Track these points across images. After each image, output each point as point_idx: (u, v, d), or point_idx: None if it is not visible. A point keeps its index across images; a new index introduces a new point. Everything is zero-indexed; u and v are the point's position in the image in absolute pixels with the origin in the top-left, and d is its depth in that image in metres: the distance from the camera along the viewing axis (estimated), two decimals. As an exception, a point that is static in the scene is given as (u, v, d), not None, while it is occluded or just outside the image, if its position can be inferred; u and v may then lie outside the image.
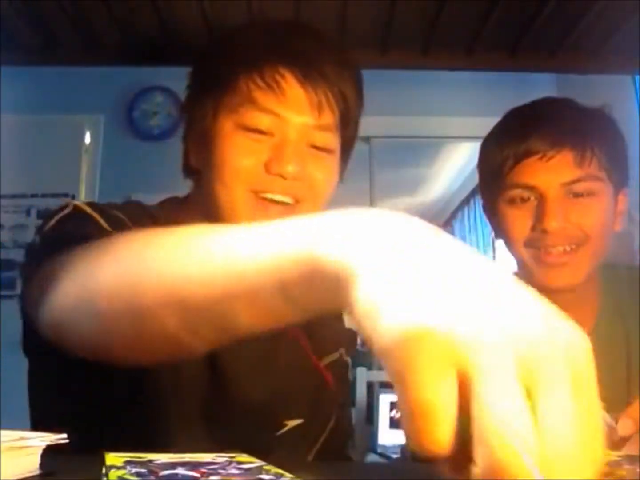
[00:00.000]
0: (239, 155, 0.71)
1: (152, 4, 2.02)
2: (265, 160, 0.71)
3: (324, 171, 0.77)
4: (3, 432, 0.52)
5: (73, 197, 3.14)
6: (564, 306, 0.97)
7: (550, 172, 0.84)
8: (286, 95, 0.70)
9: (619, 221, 0.90)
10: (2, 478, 0.48)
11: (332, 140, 0.76)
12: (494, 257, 5.16)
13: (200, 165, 0.78)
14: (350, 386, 0.97)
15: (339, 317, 0.93)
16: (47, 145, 3.13)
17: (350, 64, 0.80)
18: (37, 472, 0.53)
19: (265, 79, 0.70)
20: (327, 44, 0.77)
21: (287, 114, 0.71)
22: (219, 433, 0.77)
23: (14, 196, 3.12)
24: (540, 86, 2.93)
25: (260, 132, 0.71)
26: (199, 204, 0.80)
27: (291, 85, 0.71)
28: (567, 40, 2.17)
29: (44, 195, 3.15)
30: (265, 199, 0.72)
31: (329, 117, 0.74)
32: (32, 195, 3.14)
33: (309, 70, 0.71)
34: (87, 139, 3.20)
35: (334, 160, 0.78)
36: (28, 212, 3.13)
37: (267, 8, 2.09)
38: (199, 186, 0.81)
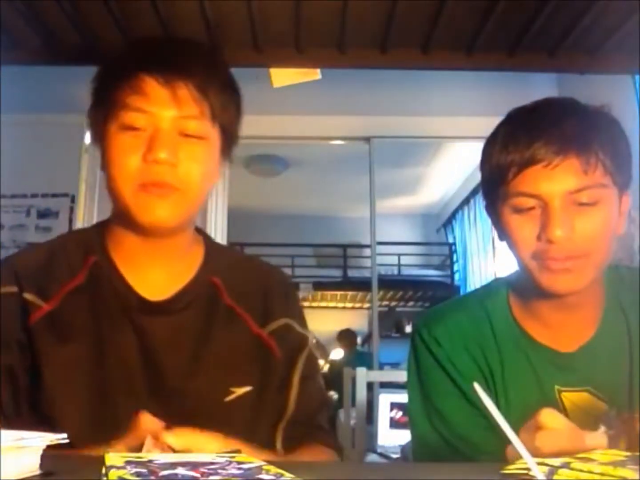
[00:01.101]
0: (122, 152, 0.83)
1: (152, 4, 2.02)
2: (142, 152, 0.82)
3: (197, 158, 0.85)
4: (3, 432, 0.52)
5: (73, 197, 3.14)
6: (569, 307, 0.96)
7: (555, 180, 0.82)
8: (149, 95, 0.82)
9: (622, 223, 0.89)
10: (2, 478, 0.48)
11: (200, 127, 0.84)
12: (494, 257, 5.17)
13: (101, 165, 0.89)
14: (314, 359, 0.96)
15: (280, 292, 0.97)
16: (47, 145, 3.13)
17: (212, 60, 0.90)
18: (37, 472, 0.53)
19: (132, 86, 0.84)
20: (185, 47, 0.90)
21: (152, 109, 0.82)
22: (167, 405, 0.82)
23: (14, 196, 3.12)
24: (540, 86, 2.94)
25: (135, 129, 0.82)
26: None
27: (153, 87, 0.83)
28: (567, 40, 2.17)
29: (44, 195, 3.15)
30: (147, 186, 0.82)
31: (192, 109, 0.83)
32: (32, 195, 3.14)
33: (166, 73, 0.83)
34: (87, 139, 3.19)
35: (207, 147, 0.86)
36: (28, 212, 3.13)
37: (267, 8, 2.09)
38: None
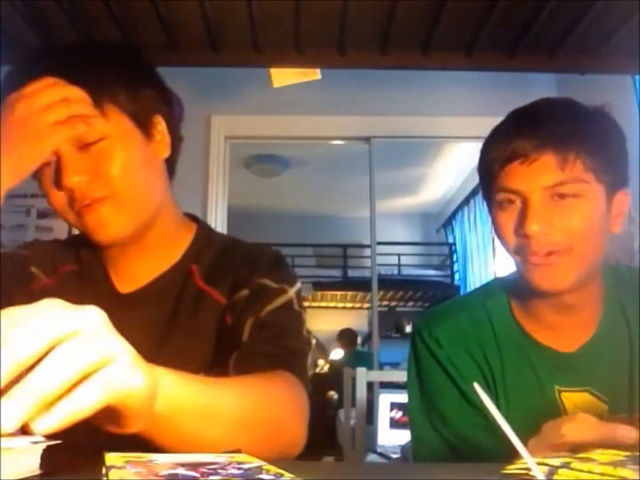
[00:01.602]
0: (46, 190, 0.82)
1: (152, 4, 2.02)
2: (55, 183, 0.80)
3: (111, 159, 0.80)
4: (3, 431, 0.52)
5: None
6: (568, 307, 0.96)
7: (533, 175, 0.84)
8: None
9: (619, 222, 0.89)
10: (2, 478, 0.48)
11: (94, 128, 0.78)
12: (494, 257, 5.17)
13: None
14: (285, 306, 0.86)
15: (254, 261, 0.90)
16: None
17: (91, 59, 0.83)
18: (38, 472, 0.53)
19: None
20: (78, 53, 0.85)
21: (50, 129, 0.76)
22: None
23: (14, 196, 3.12)
24: (540, 86, 2.94)
25: (44, 163, 0.79)
26: None
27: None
28: (567, 40, 2.17)
29: (44, 195, 3.15)
30: (79, 211, 0.80)
31: (79, 107, 0.77)
32: (32, 195, 3.14)
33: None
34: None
35: (117, 144, 0.81)
36: (28, 212, 3.13)
37: (267, 8, 2.09)
38: None
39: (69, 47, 0.89)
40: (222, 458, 0.52)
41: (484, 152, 0.91)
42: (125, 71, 0.85)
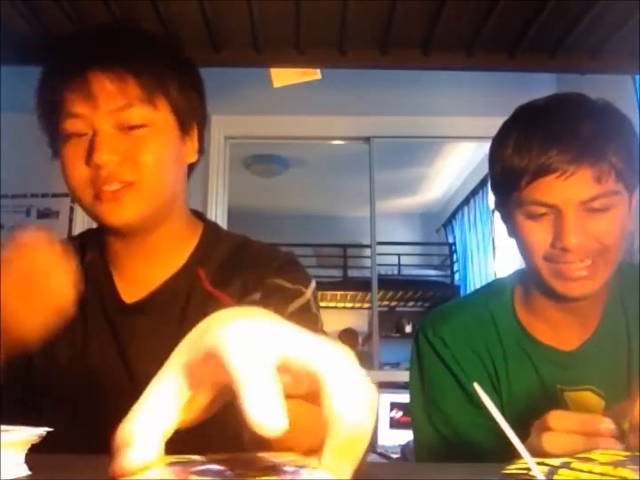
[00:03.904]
0: (68, 163, 0.80)
1: (152, 4, 2.02)
2: (85, 158, 0.78)
3: (145, 146, 0.80)
4: (3, 426, 0.52)
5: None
6: (574, 305, 0.96)
7: (569, 190, 0.82)
8: (79, 94, 0.77)
9: (632, 221, 0.89)
10: (2, 478, 0.48)
11: (140, 115, 0.79)
12: (494, 257, 5.17)
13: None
14: (308, 313, 0.85)
15: (263, 264, 0.88)
16: (48, 145, 3.12)
17: (153, 45, 0.85)
18: (26, 472, 0.51)
19: (52, 94, 0.79)
20: (132, 39, 0.84)
21: (85, 110, 0.78)
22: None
23: (14, 196, 3.12)
24: (540, 86, 2.93)
25: (77, 134, 0.78)
26: None
27: (80, 86, 0.77)
28: (567, 40, 2.17)
29: (44, 195, 3.15)
30: (99, 194, 0.79)
31: (126, 96, 0.78)
32: (32, 195, 3.15)
33: (92, 66, 0.77)
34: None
35: (155, 134, 0.81)
36: (28, 212, 3.14)
37: (267, 8, 2.09)
38: None
39: (118, 32, 0.87)
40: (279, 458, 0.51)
41: (505, 161, 0.87)
42: (176, 67, 0.85)
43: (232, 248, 0.92)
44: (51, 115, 0.81)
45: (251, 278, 0.86)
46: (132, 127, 0.79)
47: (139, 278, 0.88)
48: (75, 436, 0.75)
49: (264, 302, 0.83)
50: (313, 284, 0.88)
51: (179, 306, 0.86)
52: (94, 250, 0.90)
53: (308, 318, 0.84)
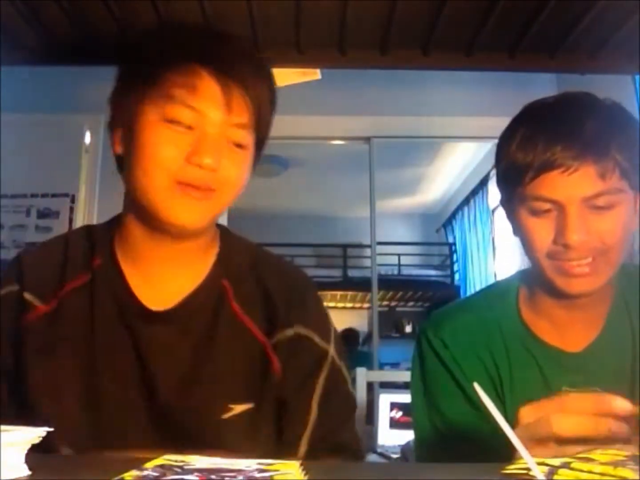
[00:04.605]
0: (162, 145, 0.77)
1: (152, 4, 2.02)
2: (187, 151, 0.77)
3: (237, 165, 0.82)
4: (3, 426, 0.52)
5: (73, 197, 3.14)
6: (579, 305, 0.95)
7: (572, 186, 0.82)
8: (203, 93, 0.78)
9: (636, 220, 0.89)
10: (2, 478, 0.48)
11: (246, 137, 0.82)
12: (494, 257, 5.17)
13: (125, 152, 0.82)
14: (336, 374, 0.87)
15: (293, 297, 0.88)
16: (47, 145, 3.13)
17: (264, 69, 0.86)
18: (26, 472, 0.51)
19: (185, 77, 0.77)
20: (242, 48, 0.85)
21: (204, 109, 0.78)
22: (163, 419, 0.79)
23: (14, 196, 3.12)
24: (540, 86, 2.94)
25: (182, 124, 0.78)
26: (128, 197, 0.86)
27: (208, 84, 0.78)
28: (567, 40, 2.17)
29: (44, 195, 3.15)
30: (183, 185, 0.78)
31: (244, 117, 0.80)
32: (32, 195, 3.14)
33: (224, 72, 0.78)
34: (87, 139, 3.20)
35: (247, 156, 0.84)
36: (28, 212, 3.13)
37: (267, 8, 2.09)
38: (123, 178, 0.86)
39: (214, 33, 0.85)
40: (253, 466, 0.51)
41: (510, 156, 0.87)
42: (267, 80, 0.86)
43: (250, 260, 0.91)
44: (149, 95, 0.78)
45: (280, 314, 0.86)
46: (234, 144, 0.81)
47: (164, 285, 0.85)
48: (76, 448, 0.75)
49: (293, 357, 0.84)
50: (333, 331, 0.92)
51: (205, 320, 0.84)
52: (103, 254, 0.86)
53: (335, 378, 0.87)
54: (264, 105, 0.82)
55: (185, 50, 0.79)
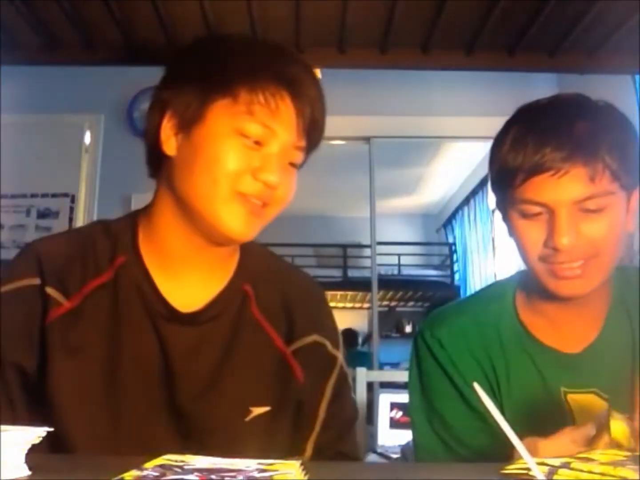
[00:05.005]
0: (233, 157, 0.78)
1: (152, 4, 2.02)
2: (253, 166, 0.79)
3: (290, 183, 0.85)
4: (3, 426, 0.52)
5: (73, 197, 3.14)
6: (577, 307, 0.95)
7: (562, 189, 0.81)
8: (283, 115, 0.79)
9: (632, 221, 0.89)
10: (2, 477, 0.48)
11: (301, 158, 0.86)
12: (494, 257, 5.17)
13: (182, 156, 0.81)
14: (342, 380, 0.91)
15: (310, 306, 0.93)
16: (47, 145, 3.13)
17: (322, 90, 0.86)
18: (27, 472, 0.51)
19: (266, 95, 0.78)
20: (310, 69, 0.86)
21: (279, 130, 0.80)
22: (184, 421, 0.80)
23: (14, 196, 3.12)
24: (540, 86, 2.94)
25: (251, 139, 0.79)
26: (168, 198, 0.85)
27: (286, 105, 0.80)
28: (567, 40, 2.17)
29: (44, 195, 3.15)
30: (246, 196, 0.79)
31: (304, 140, 0.83)
32: (32, 195, 3.14)
33: (300, 96, 0.80)
34: (87, 139, 3.20)
35: (295, 175, 0.87)
36: (28, 212, 3.13)
37: (267, 8, 2.09)
38: (167, 178, 0.85)
39: (280, 51, 0.85)
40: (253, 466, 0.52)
41: (501, 159, 0.87)
42: (322, 99, 0.86)
43: (268, 266, 0.94)
44: (220, 104, 0.78)
45: (295, 319, 0.89)
46: (291, 164, 0.84)
47: (189, 286, 0.85)
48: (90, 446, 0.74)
49: (310, 362, 0.88)
50: (340, 339, 0.95)
51: (228, 323, 0.85)
52: (127, 252, 0.84)
53: (342, 384, 0.91)
54: (321, 130, 0.85)
55: (271, 71, 0.80)
